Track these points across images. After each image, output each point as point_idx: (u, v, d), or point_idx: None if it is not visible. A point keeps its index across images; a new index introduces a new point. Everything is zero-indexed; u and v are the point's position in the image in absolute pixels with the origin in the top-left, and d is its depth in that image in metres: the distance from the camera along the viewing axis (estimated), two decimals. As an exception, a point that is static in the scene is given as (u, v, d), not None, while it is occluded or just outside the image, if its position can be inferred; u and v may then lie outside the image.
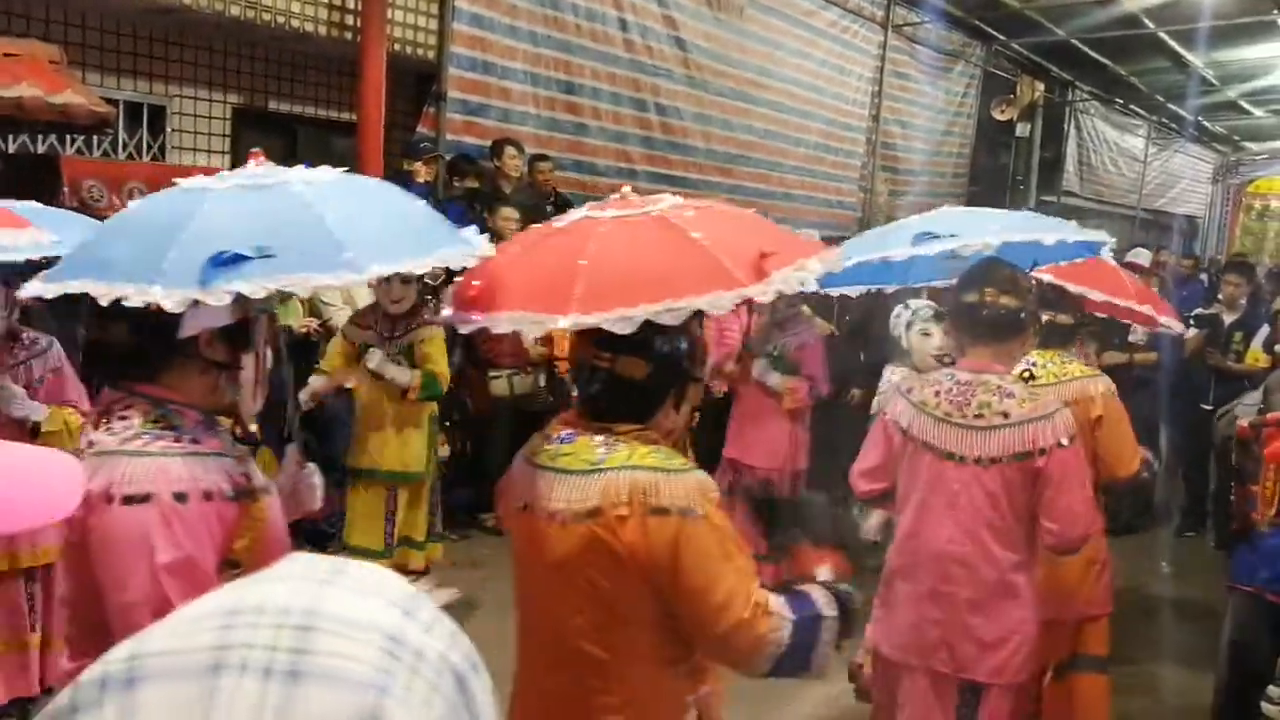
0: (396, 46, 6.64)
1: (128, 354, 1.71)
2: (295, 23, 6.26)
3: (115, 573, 1.58)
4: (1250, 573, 3.55)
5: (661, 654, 1.75)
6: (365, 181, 2.20)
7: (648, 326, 1.66)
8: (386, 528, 4.46)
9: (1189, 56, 12.71)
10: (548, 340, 5.66)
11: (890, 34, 11.22)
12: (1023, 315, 2.63)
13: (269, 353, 1.97)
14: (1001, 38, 12.83)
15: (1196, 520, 6.84)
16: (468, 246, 1.84)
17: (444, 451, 5.63)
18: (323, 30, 6.40)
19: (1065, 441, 2.50)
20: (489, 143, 6.91)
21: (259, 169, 1.85)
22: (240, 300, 1.61)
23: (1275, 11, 10.56)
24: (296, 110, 7.17)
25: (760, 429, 4.90)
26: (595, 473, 1.70)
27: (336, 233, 1.65)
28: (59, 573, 1.73)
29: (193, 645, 0.52)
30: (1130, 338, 6.58)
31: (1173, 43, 12.10)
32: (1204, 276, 10.75)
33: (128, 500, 1.57)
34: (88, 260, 1.74)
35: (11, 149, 5.56)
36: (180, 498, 1.59)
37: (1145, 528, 6.48)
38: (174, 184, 1.85)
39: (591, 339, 1.76)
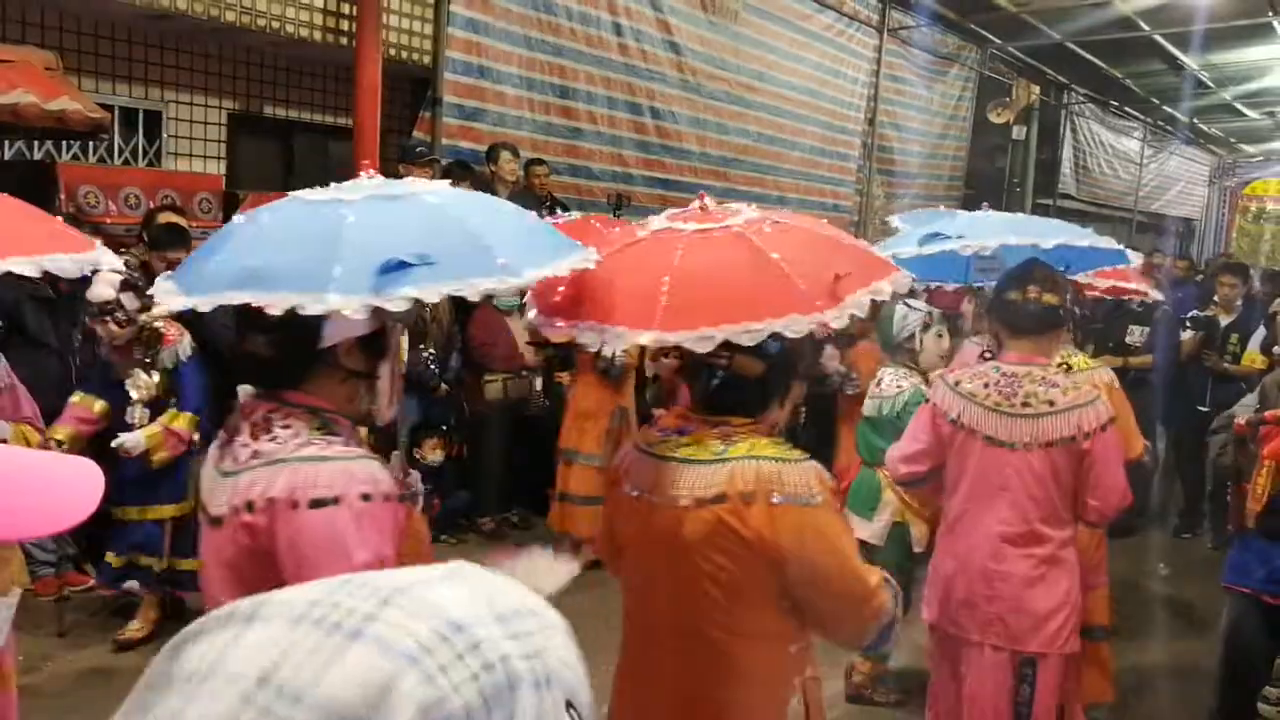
0: (392, 51, 6.65)
1: (270, 364, 1.71)
2: (290, 28, 6.26)
3: (309, 576, 1.54)
4: (1245, 574, 3.54)
5: (777, 634, 1.82)
6: (479, 195, 2.22)
7: None
8: None
9: (1184, 59, 12.75)
10: (544, 343, 5.65)
11: (885, 37, 11.24)
12: (1061, 311, 2.85)
13: (402, 361, 1.97)
14: (997, 41, 12.86)
15: (1194, 521, 6.86)
16: (586, 253, 1.88)
17: (438, 456, 5.63)
18: (318, 36, 6.41)
19: (1106, 424, 2.74)
20: (485, 147, 6.92)
21: (374, 180, 1.85)
22: (376, 309, 1.60)
23: (1270, 14, 10.59)
24: (292, 115, 7.17)
25: None
26: (721, 462, 1.79)
27: (484, 239, 1.68)
28: (214, 583, 1.69)
29: (301, 598, 0.57)
30: (1127, 339, 6.58)
31: (1168, 45, 12.13)
32: (1199, 278, 10.74)
33: (316, 504, 1.56)
34: (231, 272, 1.67)
35: (7, 155, 5.57)
36: (366, 498, 1.59)
37: (1141, 529, 6.50)
38: (292, 196, 1.82)
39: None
